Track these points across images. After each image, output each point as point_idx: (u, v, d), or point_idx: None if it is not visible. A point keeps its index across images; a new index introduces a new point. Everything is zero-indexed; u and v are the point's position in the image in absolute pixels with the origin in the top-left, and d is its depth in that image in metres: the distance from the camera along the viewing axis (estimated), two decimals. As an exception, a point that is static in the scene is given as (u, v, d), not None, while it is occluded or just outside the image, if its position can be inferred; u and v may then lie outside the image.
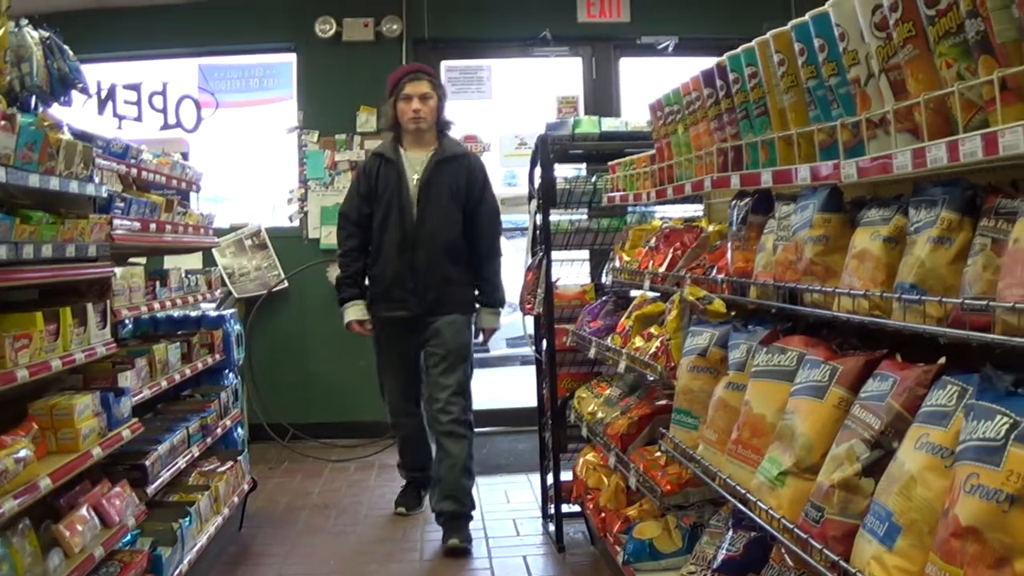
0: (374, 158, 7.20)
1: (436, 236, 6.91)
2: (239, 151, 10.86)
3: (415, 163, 7.02)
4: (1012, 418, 2.21)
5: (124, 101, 9.80)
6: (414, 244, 6.90)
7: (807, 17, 3.23)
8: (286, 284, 10.22)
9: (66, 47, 5.22)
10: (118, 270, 5.14)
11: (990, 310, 2.37)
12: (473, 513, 6.94)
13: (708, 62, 4.26)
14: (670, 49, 10.83)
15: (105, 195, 5.02)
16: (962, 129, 2.45)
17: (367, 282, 7.21)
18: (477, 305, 7.22)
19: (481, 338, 7.36)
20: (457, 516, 6.81)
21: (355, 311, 7.11)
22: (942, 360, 2.76)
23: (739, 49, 3.87)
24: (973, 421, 2.33)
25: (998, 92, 2.31)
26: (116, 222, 5.07)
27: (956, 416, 2.46)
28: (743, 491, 3.39)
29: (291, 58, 10.68)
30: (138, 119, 9.91)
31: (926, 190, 2.83)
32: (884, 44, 2.79)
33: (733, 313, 4.19)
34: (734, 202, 4.18)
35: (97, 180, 4.91)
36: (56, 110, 5.27)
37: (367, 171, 7.17)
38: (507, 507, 7.70)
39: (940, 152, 2.51)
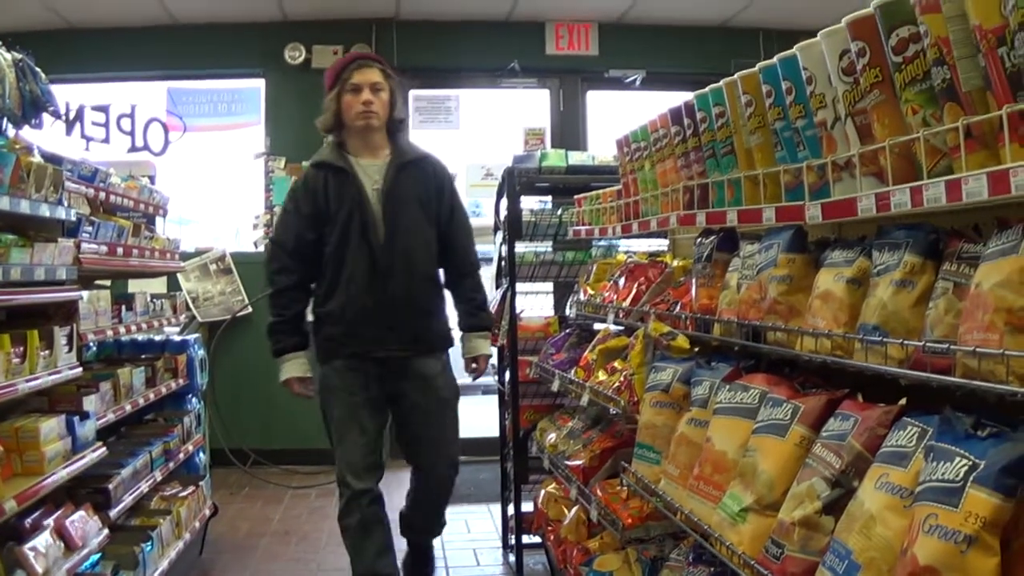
0: (316, 171, 5.74)
1: (411, 257, 5.61)
2: (206, 175, 10.87)
3: (370, 171, 5.67)
4: (971, 460, 2.25)
5: (92, 122, 9.85)
6: (386, 269, 5.53)
7: (775, 60, 3.28)
8: (250, 309, 10.23)
9: (38, 69, 5.24)
10: (84, 293, 5.15)
11: (951, 353, 2.41)
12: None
13: (676, 96, 4.31)
14: (637, 83, 10.94)
15: (74, 218, 5.04)
16: (926, 175, 2.49)
17: (316, 324, 5.79)
18: (457, 334, 6.03)
19: (472, 371, 6.07)
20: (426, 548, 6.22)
21: (295, 366, 5.71)
22: (903, 401, 2.80)
23: (707, 89, 3.91)
24: (932, 462, 2.36)
25: (963, 139, 2.35)
26: (84, 246, 5.08)
27: (916, 457, 2.50)
28: (705, 526, 3.41)
29: (260, 83, 10.71)
30: (106, 141, 9.96)
31: (890, 233, 2.88)
32: (851, 89, 2.84)
33: (697, 349, 4.22)
34: (699, 239, 4.22)
35: (66, 203, 4.92)
36: (26, 132, 5.28)
37: (309, 187, 5.69)
38: (468, 537, 7.71)
39: (904, 197, 2.56)
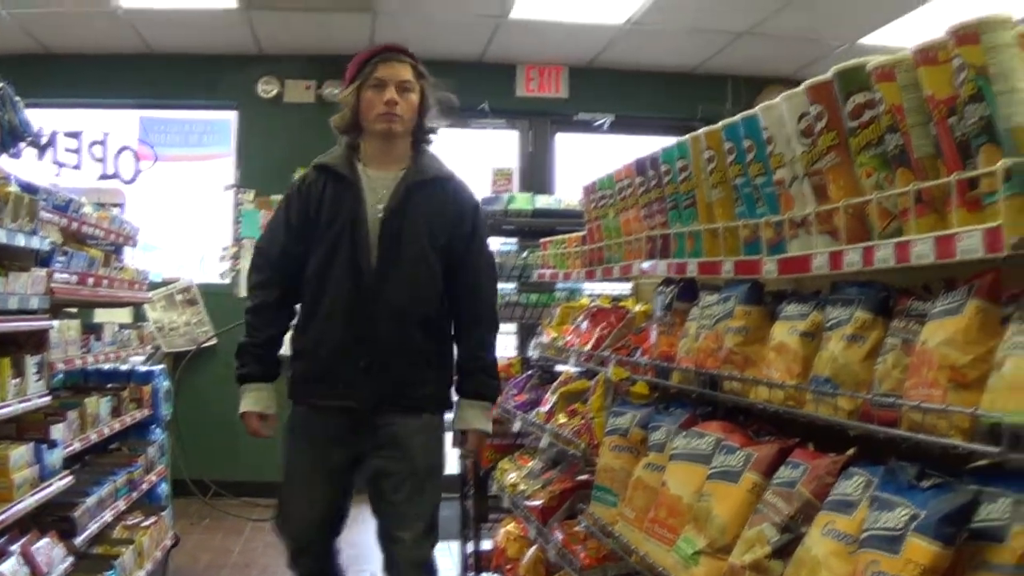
0: (317, 173, 4.87)
1: (405, 293, 4.71)
2: (175, 204, 10.89)
3: (378, 185, 4.79)
4: (912, 510, 2.34)
5: (64, 149, 9.87)
6: (374, 302, 4.66)
7: (738, 118, 3.38)
8: (215, 341, 10.26)
9: (17, 99, 5.27)
10: (55, 323, 5.20)
11: (897, 407, 2.51)
12: None
13: (644, 140, 4.40)
14: (606, 126, 11.05)
15: (48, 248, 5.08)
16: (878, 235, 2.61)
17: (292, 356, 4.96)
18: (455, 399, 5.01)
19: (460, 447, 5.13)
20: None
21: (256, 399, 4.88)
22: (851, 451, 2.90)
23: (672, 143, 4.00)
24: (876, 511, 2.46)
25: (913, 203, 2.47)
26: (57, 275, 5.13)
27: (861, 505, 2.59)
28: (660, 568, 3.47)
29: (232, 115, 10.75)
30: (77, 167, 10.00)
31: (843, 289, 2.98)
32: (809, 150, 2.94)
33: (656, 395, 4.31)
34: (660, 288, 4.31)
35: (40, 233, 4.97)
36: (3, 160, 5.32)
37: (304, 192, 4.84)
38: (426, 573, 7.71)
39: (856, 256, 2.67)
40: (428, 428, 4.84)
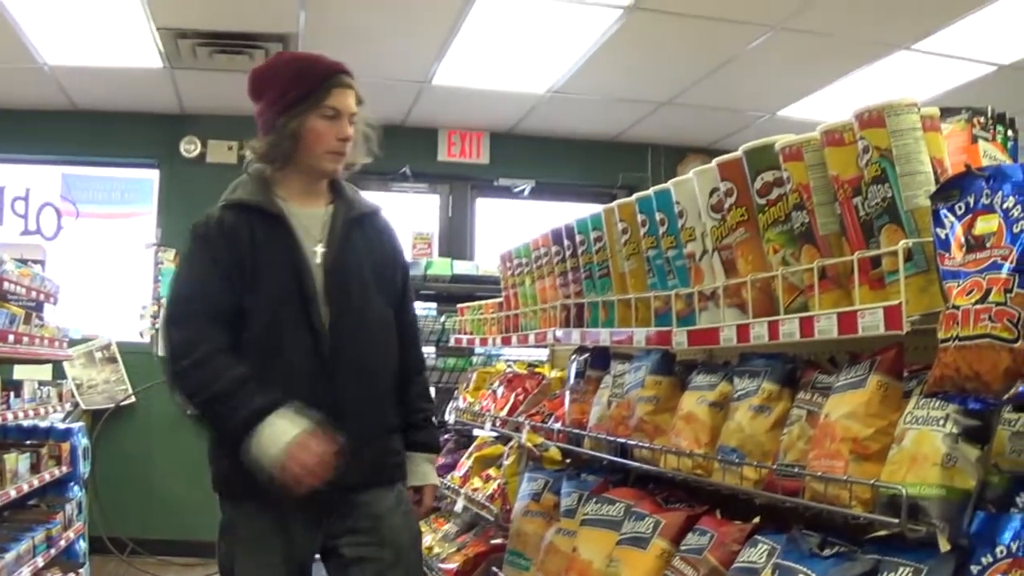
0: (236, 215, 3.78)
1: (369, 350, 3.83)
2: (95, 261, 10.82)
3: (307, 223, 3.84)
4: (812, 578, 2.41)
5: (-14, 204, 9.83)
6: (334, 368, 3.70)
7: (651, 192, 3.46)
8: (133, 399, 10.18)
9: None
10: (-27, 379, 5.19)
11: (800, 476, 2.57)
12: None
13: (564, 207, 4.45)
14: (526, 192, 11.09)
15: (-28, 305, 5.08)
16: (783, 310, 2.68)
17: (217, 446, 3.79)
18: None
19: (417, 505, 4.08)
20: None
21: (290, 421, 3.48)
22: (756, 520, 2.96)
23: (590, 211, 4.06)
24: (779, 578, 2.52)
25: (817, 280, 2.55)
26: (-21, 333, 5.13)
27: (765, 572, 2.64)
28: (570, 632, 3.53)
29: (154, 174, 10.73)
30: (-1, 222, 9.94)
31: (750, 360, 3.06)
32: (719, 225, 3.02)
33: (568, 461, 4.35)
34: (574, 356, 4.36)
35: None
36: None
37: (229, 234, 3.73)
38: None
39: (762, 330, 2.75)
40: (402, 500, 3.89)
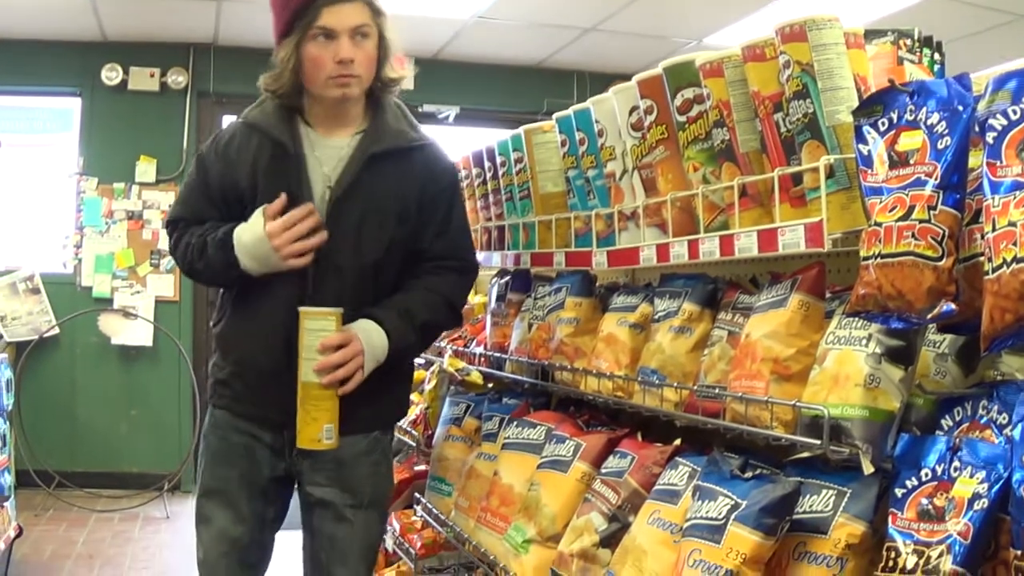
0: (247, 134, 3.54)
1: (366, 298, 3.43)
2: (17, 192, 10.66)
3: (326, 153, 3.47)
4: (733, 500, 2.38)
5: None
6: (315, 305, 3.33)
7: (570, 111, 3.41)
8: (57, 330, 10.05)
9: None
10: None
11: (721, 398, 2.55)
12: None
13: (490, 133, 4.38)
14: (451, 119, 11.02)
15: None
16: (704, 229, 2.64)
17: (214, 374, 3.62)
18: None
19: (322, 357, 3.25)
20: None
21: (258, 214, 3.33)
22: (677, 442, 2.94)
23: (508, 135, 4.01)
24: (699, 500, 2.49)
25: (737, 198, 2.51)
26: None
27: (685, 495, 2.63)
28: (491, 556, 3.48)
29: (76, 102, 10.56)
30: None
31: (671, 281, 3.03)
32: (639, 143, 2.98)
33: (491, 386, 4.33)
34: (495, 279, 4.33)
35: None
36: None
37: (224, 154, 3.54)
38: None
39: (682, 249, 2.71)
40: (377, 449, 3.58)
